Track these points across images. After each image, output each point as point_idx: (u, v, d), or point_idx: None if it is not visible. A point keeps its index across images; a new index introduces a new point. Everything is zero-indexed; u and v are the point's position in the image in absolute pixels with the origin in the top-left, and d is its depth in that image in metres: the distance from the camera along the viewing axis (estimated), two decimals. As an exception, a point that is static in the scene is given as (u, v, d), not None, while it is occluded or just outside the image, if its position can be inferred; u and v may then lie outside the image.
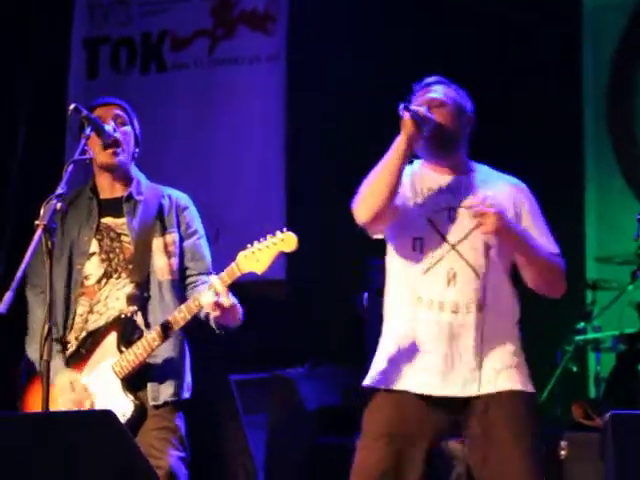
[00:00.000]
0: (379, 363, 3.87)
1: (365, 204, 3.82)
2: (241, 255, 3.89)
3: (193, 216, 4.19)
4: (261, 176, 7.15)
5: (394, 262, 3.96)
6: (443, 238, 3.86)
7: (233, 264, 3.89)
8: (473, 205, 3.80)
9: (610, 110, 6.93)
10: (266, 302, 6.53)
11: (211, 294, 3.84)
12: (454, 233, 3.84)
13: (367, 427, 3.82)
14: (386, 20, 6.83)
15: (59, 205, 3.43)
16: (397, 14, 6.82)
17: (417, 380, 3.78)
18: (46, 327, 3.37)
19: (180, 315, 3.89)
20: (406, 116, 3.74)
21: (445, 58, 5.82)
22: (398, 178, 3.80)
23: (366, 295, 5.96)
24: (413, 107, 3.77)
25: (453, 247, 3.84)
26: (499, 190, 3.95)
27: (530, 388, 3.86)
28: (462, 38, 6.62)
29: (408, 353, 3.84)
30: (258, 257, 3.89)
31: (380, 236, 3.99)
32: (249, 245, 3.91)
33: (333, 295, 6.40)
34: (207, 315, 3.93)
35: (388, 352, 3.87)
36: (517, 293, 3.89)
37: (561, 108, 6.60)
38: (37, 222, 3.40)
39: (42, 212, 3.40)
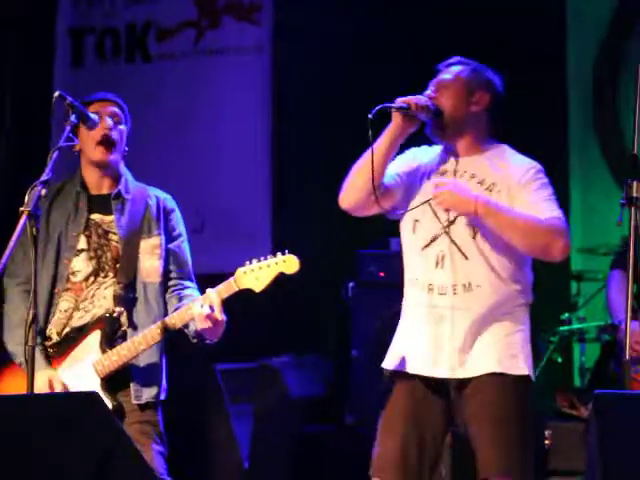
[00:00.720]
0: (392, 346, 3.92)
1: (350, 194, 3.87)
2: (240, 271, 3.90)
3: (178, 219, 4.19)
4: (247, 166, 7.17)
5: (403, 244, 4.00)
6: (438, 220, 3.87)
7: (231, 279, 3.90)
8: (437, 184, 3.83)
9: (595, 102, 6.95)
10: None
11: (206, 306, 3.84)
12: (448, 215, 3.85)
13: (384, 411, 3.82)
14: (370, 12, 6.84)
15: (44, 191, 3.37)
16: (381, 7, 6.84)
17: (410, 362, 3.80)
18: (31, 313, 3.31)
19: (171, 322, 3.89)
20: (392, 110, 3.77)
21: (428, 48, 5.77)
22: (382, 167, 3.83)
23: (351, 285, 6.02)
24: (399, 100, 3.77)
25: (445, 229, 3.84)
26: (502, 168, 3.95)
27: (519, 371, 3.81)
28: (446, 31, 6.61)
29: (406, 335, 3.87)
30: (257, 275, 3.89)
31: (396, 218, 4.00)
32: (248, 262, 3.91)
33: (320, 285, 6.35)
34: (186, 323, 3.94)
35: (398, 335, 3.92)
36: (524, 276, 3.86)
37: (546, 100, 6.62)
38: (22, 209, 3.34)
39: (27, 199, 3.35)
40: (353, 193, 3.87)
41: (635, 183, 3.46)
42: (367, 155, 3.82)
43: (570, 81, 6.88)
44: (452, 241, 3.84)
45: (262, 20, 7.21)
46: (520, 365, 3.79)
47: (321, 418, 5.99)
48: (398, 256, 5.40)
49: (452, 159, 3.97)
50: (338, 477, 5.56)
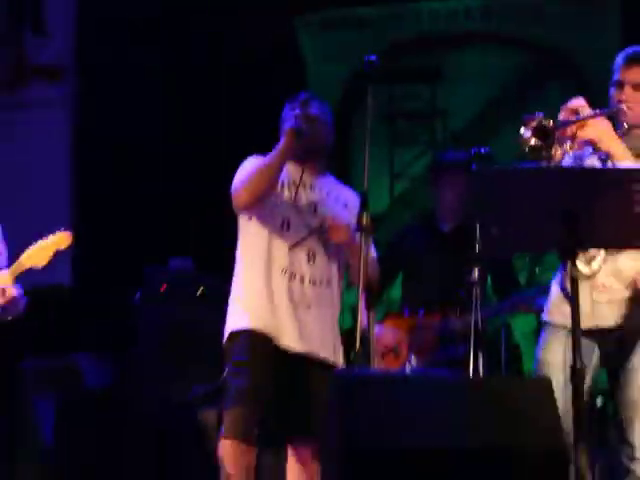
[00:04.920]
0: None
1: (247, 192, 4.03)
2: (26, 253, 4.14)
3: None
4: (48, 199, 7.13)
5: (258, 236, 4.12)
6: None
7: (20, 259, 4.17)
8: (329, 221, 4.07)
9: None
10: (49, 303, 6.71)
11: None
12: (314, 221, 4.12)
13: None
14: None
15: None
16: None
17: None
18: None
19: None
20: (291, 128, 4.00)
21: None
22: (278, 174, 4.05)
23: (139, 295, 6.05)
24: (297, 123, 4.02)
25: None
26: (343, 191, 4.24)
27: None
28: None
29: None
30: (39, 254, 4.11)
31: (245, 215, 4.14)
32: (33, 243, 4.16)
33: (114, 294, 6.45)
34: None
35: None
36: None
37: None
38: None
39: None
40: (255, 191, 3.98)
41: (365, 214, 3.72)
42: (269, 160, 4.00)
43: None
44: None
45: (65, 79, 7.24)
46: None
47: (112, 405, 6.04)
48: (176, 273, 5.88)
49: (309, 175, 4.18)
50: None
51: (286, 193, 4.14)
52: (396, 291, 5.38)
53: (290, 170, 4.20)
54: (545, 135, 3.39)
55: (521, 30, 6.93)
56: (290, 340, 4.08)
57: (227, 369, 4.13)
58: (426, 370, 4.93)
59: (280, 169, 4.06)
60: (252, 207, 4.08)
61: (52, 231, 4.37)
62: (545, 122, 3.41)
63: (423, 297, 5.10)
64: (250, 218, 4.17)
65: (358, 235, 3.71)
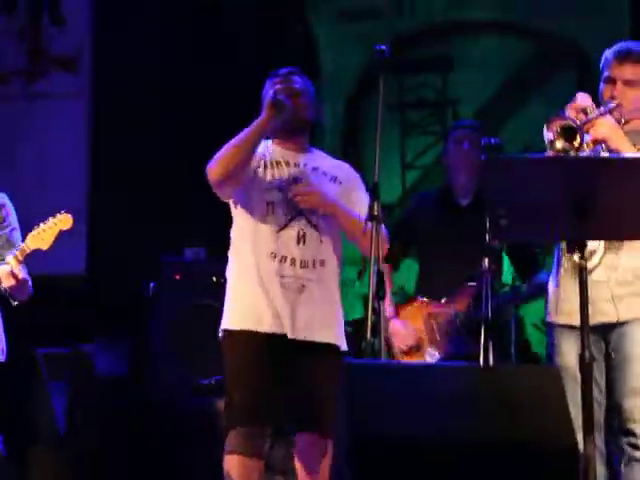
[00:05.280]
0: None
1: (221, 165, 3.89)
2: (29, 236, 4.18)
3: (8, 211, 4.46)
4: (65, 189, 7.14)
5: (245, 222, 4.02)
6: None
7: (23, 244, 4.22)
8: (299, 189, 3.93)
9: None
10: (67, 292, 6.82)
11: (7, 267, 4.18)
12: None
13: None
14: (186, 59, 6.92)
15: None
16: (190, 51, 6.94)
17: None
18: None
19: None
20: (272, 101, 3.88)
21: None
22: (254, 148, 3.91)
23: (152, 285, 6.10)
24: (279, 96, 3.89)
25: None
26: (334, 166, 4.13)
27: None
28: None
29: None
30: (43, 236, 4.15)
31: (228, 199, 4.06)
32: (36, 226, 4.20)
33: (126, 285, 6.49)
34: (5, 289, 4.23)
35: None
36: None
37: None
38: None
39: None
40: (228, 164, 3.85)
41: (376, 204, 3.62)
42: (246, 134, 3.86)
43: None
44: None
45: (81, 70, 7.26)
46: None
47: (126, 393, 6.10)
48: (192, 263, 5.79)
49: (293, 153, 4.07)
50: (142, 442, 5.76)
51: (269, 174, 4.03)
52: (410, 283, 5.32)
53: (272, 149, 4.10)
54: (571, 136, 3.36)
55: (531, 18, 6.91)
56: (285, 327, 3.95)
57: (225, 372, 4.05)
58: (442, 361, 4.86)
59: (255, 143, 3.93)
60: (225, 183, 3.94)
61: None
62: (570, 122, 3.37)
63: (438, 280, 4.99)
64: (236, 205, 4.07)
65: (369, 224, 3.60)
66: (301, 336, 3.92)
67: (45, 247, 4.16)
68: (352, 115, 7.15)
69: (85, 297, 6.93)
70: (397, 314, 4.98)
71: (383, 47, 3.73)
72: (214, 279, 5.80)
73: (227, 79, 6.71)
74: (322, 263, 3.98)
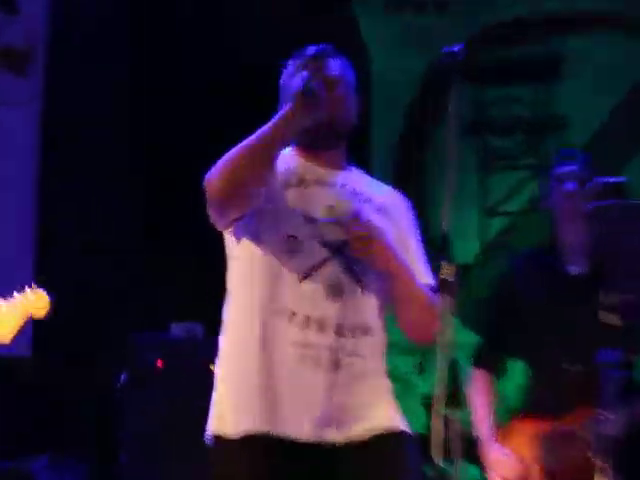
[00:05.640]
0: None
1: (225, 176, 3.16)
2: None
3: None
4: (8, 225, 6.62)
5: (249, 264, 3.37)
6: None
7: None
8: (355, 224, 3.22)
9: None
10: (8, 382, 6.01)
11: None
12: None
13: None
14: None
15: None
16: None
17: None
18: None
19: None
20: (302, 90, 3.18)
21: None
22: (275, 155, 3.21)
23: (124, 377, 5.44)
24: (312, 84, 3.22)
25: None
26: (381, 192, 3.46)
27: None
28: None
29: None
30: (2, 320, 3.72)
31: (227, 229, 3.34)
32: None
33: (85, 375, 5.86)
34: None
35: None
36: None
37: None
38: None
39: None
40: (241, 177, 3.17)
41: (445, 263, 3.09)
42: (265, 133, 3.21)
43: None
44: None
45: (33, 71, 6.70)
46: None
47: None
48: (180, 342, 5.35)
49: (324, 170, 3.42)
50: None
51: (292, 197, 3.34)
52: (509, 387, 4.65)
53: (298, 164, 3.42)
54: None
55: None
56: (305, 430, 3.15)
57: None
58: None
59: (276, 147, 3.22)
60: (230, 203, 3.22)
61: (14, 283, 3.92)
62: None
63: (551, 384, 4.23)
64: (238, 237, 3.33)
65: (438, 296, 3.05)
66: (339, 437, 3.17)
67: (6, 340, 3.68)
68: (408, 139, 6.78)
69: (31, 390, 6.15)
70: (497, 437, 4.34)
71: (456, 48, 3.25)
72: (212, 367, 4.73)
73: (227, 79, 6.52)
74: (366, 330, 3.28)
